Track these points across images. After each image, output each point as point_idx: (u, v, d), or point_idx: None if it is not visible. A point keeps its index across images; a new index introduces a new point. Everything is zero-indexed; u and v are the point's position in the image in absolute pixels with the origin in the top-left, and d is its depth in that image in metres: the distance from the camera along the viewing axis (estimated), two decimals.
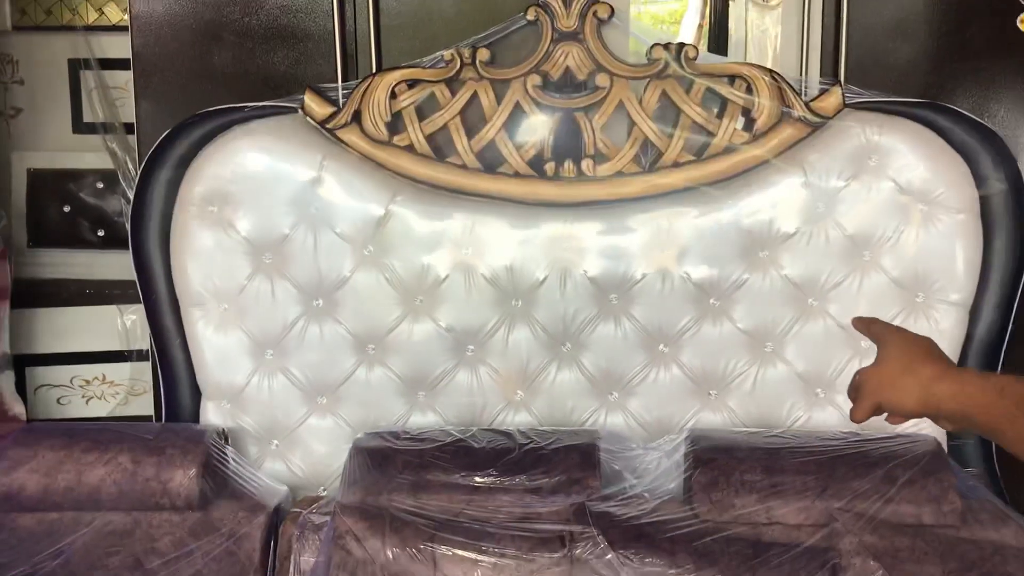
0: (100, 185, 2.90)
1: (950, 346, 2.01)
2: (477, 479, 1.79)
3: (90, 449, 1.85)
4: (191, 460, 1.84)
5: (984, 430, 1.11)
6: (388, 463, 1.83)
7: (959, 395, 1.11)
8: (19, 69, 2.90)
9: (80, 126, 2.92)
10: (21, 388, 2.87)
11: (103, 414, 2.90)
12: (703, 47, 2.47)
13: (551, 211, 2.05)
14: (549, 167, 2.05)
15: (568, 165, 2.05)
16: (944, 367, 1.16)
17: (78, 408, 2.91)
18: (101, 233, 2.88)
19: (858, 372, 1.26)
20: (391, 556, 1.67)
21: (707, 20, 2.76)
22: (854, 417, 1.22)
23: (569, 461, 1.81)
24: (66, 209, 2.90)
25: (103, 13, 2.85)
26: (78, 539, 1.78)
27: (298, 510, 1.87)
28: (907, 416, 1.18)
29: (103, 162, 2.89)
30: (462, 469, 1.81)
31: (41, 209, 2.90)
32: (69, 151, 2.91)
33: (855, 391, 1.24)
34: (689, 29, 2.88)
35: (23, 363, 2.87)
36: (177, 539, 1.80)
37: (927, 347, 1.21)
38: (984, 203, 2.00)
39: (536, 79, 2.03)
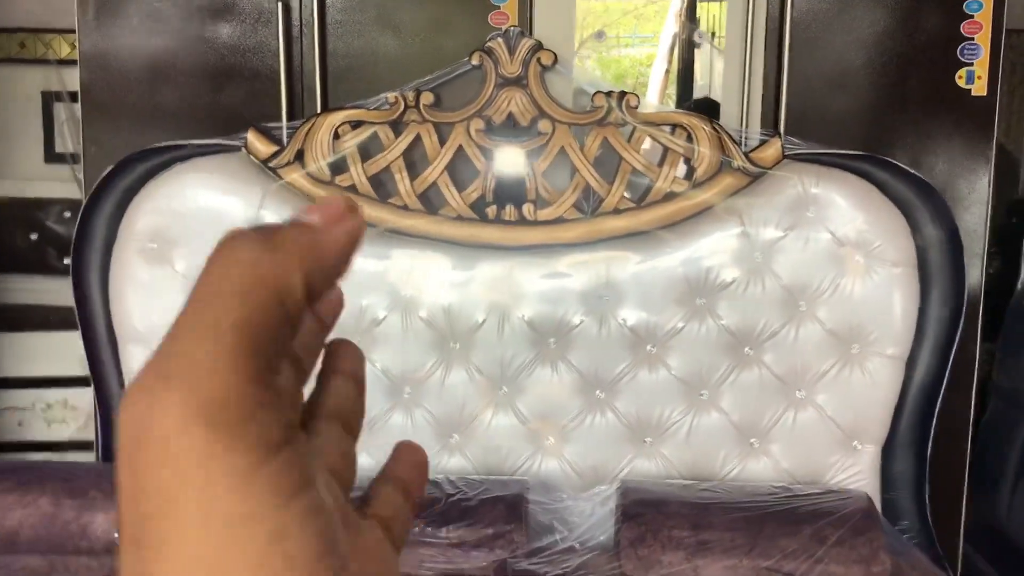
0: (67, 214, 2.72)
1: (887, 395, 1.83)
2: (428, 536, 1.59)
3: (11, 490, 1.64)
4: (114, 503, 1.64)
5: None
6: None
7: None
8: None
9: (52, 156, 2.76)
10: None
11: (64, 438, 2.72)
12: (671, 91, 2.32)
13: (491, 253, 1.86)
14: (491, 210, 1.87)
15: (509, 209, 1.87)
16: None
17: (40, 431, 2.73)
18: (67, 261, 2.69)
19: None
20: None
21: (674, 66, 2.63)
22: None
23: (495, 514, 1.61)
24: (33, 237, 2.72)
25: (75, 47, 2.67)
26: None
27: None
28: None
29: (72, 192, 2.71)
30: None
31: (9, 236, 2.72)
32: (39, 180, 2.74)
33: None
34: (657, 74, 2.76)
35: None
36: None
37: None
38: (921, 255, 1.82)
39: (479, 123, 1.85)
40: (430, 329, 1.85)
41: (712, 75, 2.26)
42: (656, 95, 2.29)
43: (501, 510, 1.62)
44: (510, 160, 1.86)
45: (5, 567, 1.60)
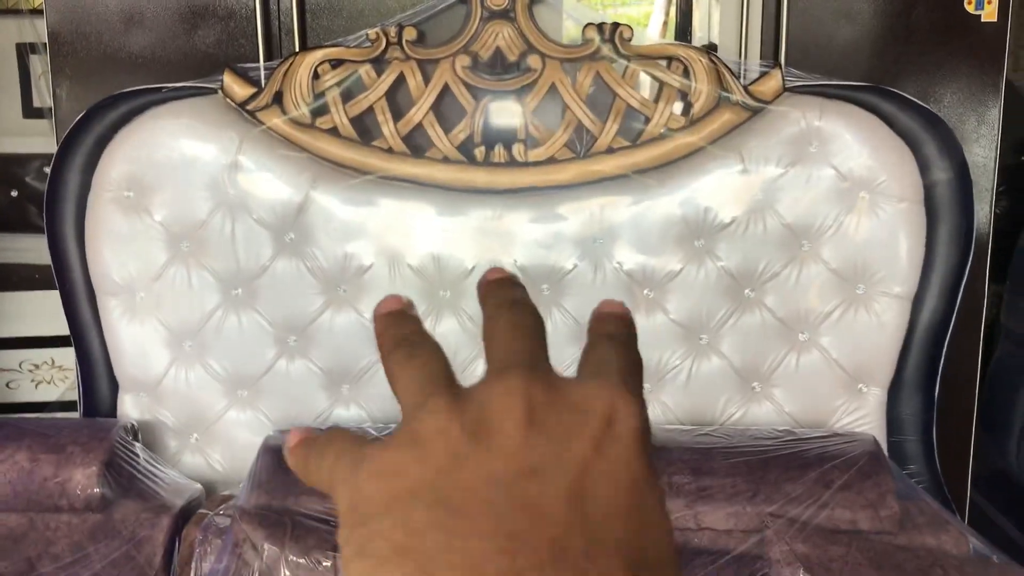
0: (47, 169, 2.63)
1: (893, 336, 1.77)
2: None
3: None
4: (93, 458, 1.58)
5: None
6: None
7: None
8: None
9: (29, 111, 2.67)
10: None
11: (52, 398, 2.67)
12: None
13: (480, 198, 1.78)
14: (479, 152, 1.79)
15: (499, 150, 1.79)
16: None
17: (27, 392, 2.67)
18: None
19: None
20: (291, 567, 1.41)
21: (671, 18, 2.54)
22: None
23: None
24: (13, 194, 2.64)
25: None
26: None
27: (204, 511, 1.61)
28: None
29: (50, 146, 2.63)
30: None
31: None
32: (17, 136, 2.66)
33: None
34: (655, 27, 2.67)
35: None
36: (74, 542, 1.54)
37: None
38: (928, 191, 1.74)
39: (465, 60, 1.76)
40: (419, 277, 1.78)
41: (710, 25, 2.17)
42: None
43: None
44: (498, 99, 1.78)
45: None
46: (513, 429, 0.29)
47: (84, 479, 1.56)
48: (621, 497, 0.29)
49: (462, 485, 0.28)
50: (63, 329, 2.65)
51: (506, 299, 0.36)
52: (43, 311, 2.63)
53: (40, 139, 2.66)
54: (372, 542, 0.28)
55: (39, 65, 2.64)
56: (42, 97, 2.65)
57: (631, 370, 0.34)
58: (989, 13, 1.80)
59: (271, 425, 1.80)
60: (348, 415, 1.80)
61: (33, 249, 2.63)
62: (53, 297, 2.62)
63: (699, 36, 2.23)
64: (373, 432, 1.67)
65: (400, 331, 0.35)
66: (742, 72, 1.77)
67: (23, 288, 2.64)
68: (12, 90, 2.67)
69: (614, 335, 0.35)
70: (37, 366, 2.66)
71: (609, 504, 0.28)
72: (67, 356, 2.65)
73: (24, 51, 2.63)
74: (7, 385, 2.66)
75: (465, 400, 0.31)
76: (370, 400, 1.80)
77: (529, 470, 0.29)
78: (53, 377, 2.67)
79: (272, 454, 1.58)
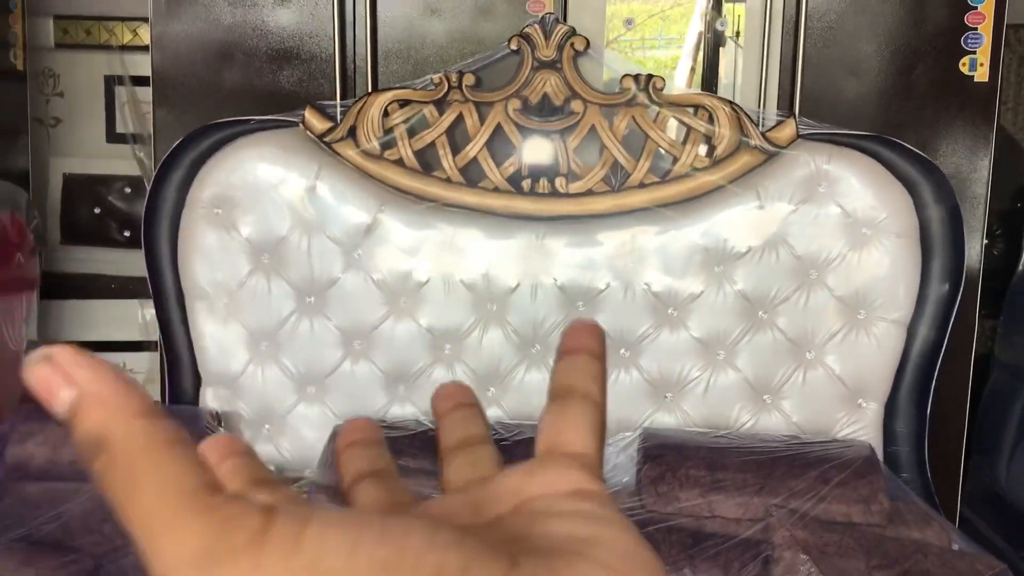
0: (128, 190, 2.90)
1: (890, 360, 1.98)
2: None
3: None
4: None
5: None
6: None
7: None
8: (60, 83, 2.92)
9: (113, 136, 2.94)
10: None
11: None
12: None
13: (525, 224, 2.02)
14: (526, 183, 2.03)
15: (543, 182, 2.03)
16: None
17: None
18: (127, 233, 2.89)
19: None
20: None
21: (699, 64, 2.74)
22: None
23: (529, 452, 1.77)
24: (96, 211, 2.91)
25: (136, 34, 2.86)
26: (76, 506, 1.76)
27: None
28: None
29: (132, 169, 2.90)
30: (429, 456, 1.78)
31: (74, 210, 2.91)
32: (102, 158, 2.93)
33: None
34: (682, 74, 2.86)
35: None
36: None
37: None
38: (924, 230, 1.97)
39: (517, 103, 2.01)
40: (469, 292, 2.02)
41: (736, 74, 2.39)
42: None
43: (533, 449, 1.78)
44: (544, 137, 2.02)
45: (89, 492, 1.78)
46: None
47: None
48: None
49: None
50: (135, 335, 2.91)
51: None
52: (118, 318, 2.88)
53: (122, 162, 2.93)
54: None
55: (124, 95, 2.92)
56: (126, 124, 2.92)
57: (600, 449, 0.30)
58: (981, 74, 2.04)
59: (335, 419, 2.03)
60: (403, 412, 2.03)
61: (112, 261, 2.90)
62: (127, 306, 2.89)
63: (724, 83, 2.46)
64: (427, 424, 1.89)
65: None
66: (760, 120, 2.01)
67: (101, 297, 2.89)
68: (98, 117, 2.95)
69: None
70: None
71: None
72: (139, 360, 2.90)
73: (111, 82, 2.91)
74: None
75: None
76: (423, 400, 2.04)
77: None
78: None
79: None
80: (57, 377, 0.24)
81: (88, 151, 2.92)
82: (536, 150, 2.02)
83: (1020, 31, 2.76)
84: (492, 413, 2.04)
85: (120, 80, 2.88)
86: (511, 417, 2.03)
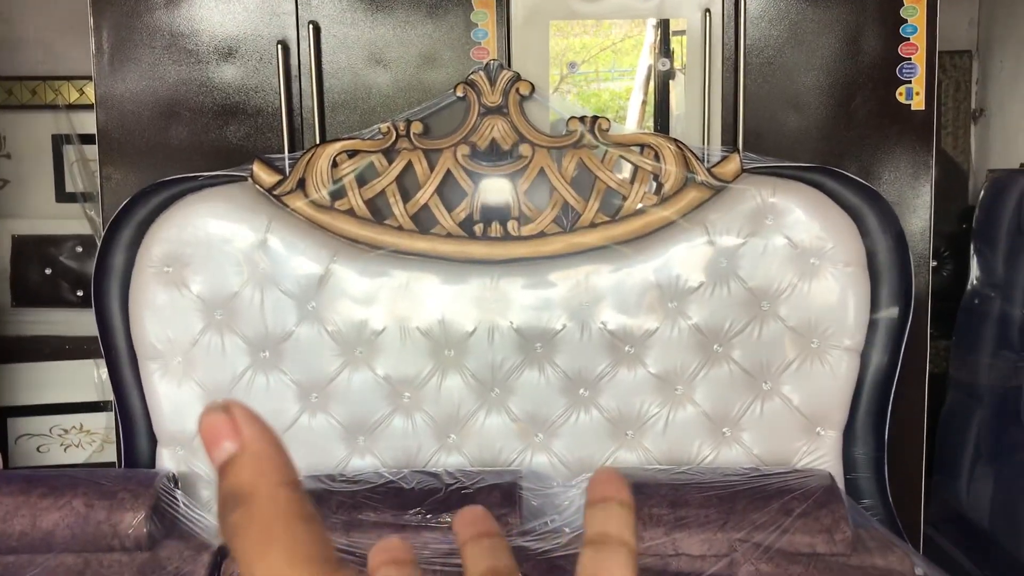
0: (79, 249, 2.87)
1: (846, 387, 2.00)
2: (406, 518, 1.74)
3: (46, 495, 1.79)
4: (141, 503, 1.79)
5: None
6: (323, 504, 1.78)
7: None
8: (6, 144, 2.89)
9: (62, 195, 2.92)
10: (2, 438, 2.80)
11: (81, 460, 2.85)
12: (649, 124, 2.47)
13: (479, 268, 2.03)
14: (478, 228, 2.04)
15: (495, 226, 2.04)
16: None
17: (57, 455, 2.86)
18: (80, 293, 2.85)
19: None
20: None
21: (651, 97, 2.77)
22: None
23: (491, 499, 1.77)
24: (47, 271, 2.87)
25: (83, 92, 2.85)
26: None
27: None
28: None
29: (83, 228, 2.87)
30: (392, 509, 1.76)
31: (24, 272, 2.87)
32: (51, 218, 2.90)
33: None
34: (634, 107, 2.90)
35: (5, 414, 2.81)
36: None
37: None
38: (871, 257, 2.00)
39: (465, 149, 2.03)
40: (426, 338, 2.01)
41: (687, 105, 2.41)
42: (634, 126, 2.44)
43: (497, 496, 1.78)
44: (494, 182, 2.04)
45: (43, 565, 1.74)
46: None
47: (134, 521, 1.76)
48: None
49: None
50: (91, 395, 2.86)
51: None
52: (73, 379, 2.84)
53: (72, 221, 2.90)
54: None
55: (72, 154, 2.90)
56: (75, 183, 2.89)
57: None
58: (917, 103, 2.08)
59: None
60: (364, 463, 2.01)
61: (64, 322, 2.86)
62: (81, 366, 2.84)
63: (676, 114, 2.49)
64: (388, 476, 1.88)
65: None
66: (705, 156, 2.03)
67: (54, 358, 2.85)
68: (47, 177, 2.92)
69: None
70: (66, 431, 2.85)
71: None
72: (94, 420, 2.86)
73: (59, 141, 2.89)
74: (38, 449, 2.85)
75: None
76: (383, 451, 2.02)
77: None
78: (81, 441, 2.86)
79: None
80: (226, 428, 0.27)
81: (38, 212, 2.89)
82: (487, 195, 2.04)
83: (955, 57, 2.84)
84: (453, 460, 2.03)
85: (68, 139, 2.86)
86: (472, 464, 2.01)
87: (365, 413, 2.02)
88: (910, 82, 2.09)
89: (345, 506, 1.77)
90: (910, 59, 2.08)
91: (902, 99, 2.10)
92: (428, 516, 1.75)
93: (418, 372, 2.02)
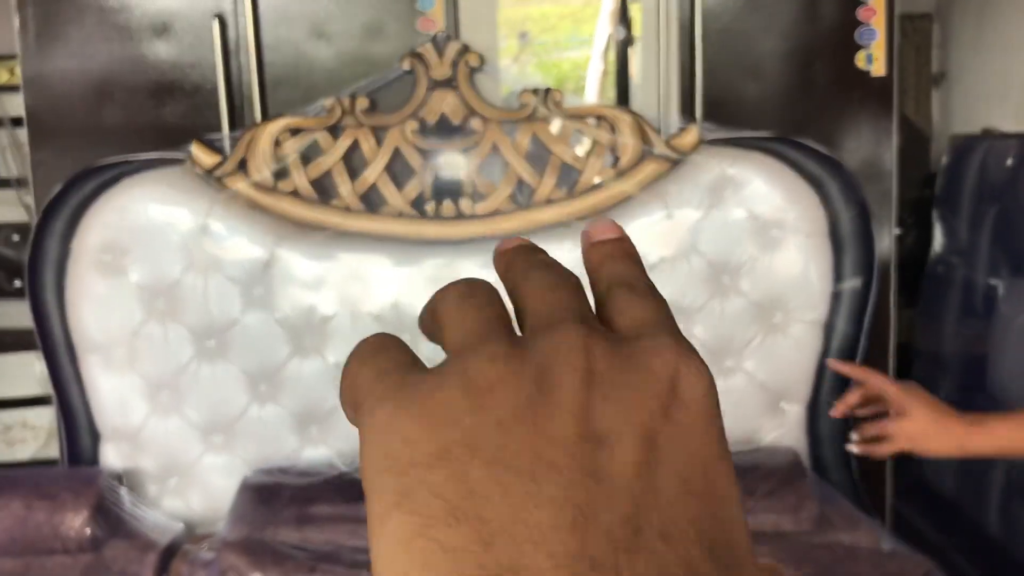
0: (16, 237, 2.77)
1: (809, 358, 1.98)
2: (360, 511, 1.70)
3: None
4: (83, 503, 1.73)
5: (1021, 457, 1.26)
6: (274, 498, 1.73)
7: (992, 442, 1.25)
8: None
9: None
10: None
11: (26, 457, 2.77)
12: (610, 93, 2.42)
13: (433, 248, 1.98)
14: (430, 207, 1.99)
15: (448, 204, 1.99)
16: (970, 422, 1.26)
17: (2, 452, 2.78)
18: (17, 283, 2.76)
19: (889, 424, 1.32)
20: None
21: (610, 66, 2.73)
22: (879, 454, 1.36)
23: None
24: None
25: (14, 73, 2.73)
26: None
27: (189, 547, 1.76)
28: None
29: (18, 215, 2.77)
30: (346, 501, 1.72)
31: None
32: None
33: (886, 441, 1.32)
34: (593, 77, 2.85)
35: None
36: None
37: (947, 407, 1.30)
38: (833, 226, 1.97)
39: (414, 124, 1.97)
40: (378, 323, 1.96)
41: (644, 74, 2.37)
42: (594, 96, 2.40)
43: None
44: (446, 158, 1.98)
45: None
46: (576, 386, 0.25)
47: (76, 522, 1.70)
48: (694, 470, 0.25)
49: (526, 444, 0.24)
50: (33, 390, 2.78)
51: (536, 261, 0.31)
52: (13, 373, 2.75)
53: (7, 208, 2.80)
54: (418, 495, 0.23)
55: (4, 138, 2.80)
56: (8, 168, 2.79)
57: (672, 322, 0.29)
58: (877, 69, 2.05)
59: (245, 467, 1.95)
60: (316, 454, 1.97)
61: (2, 313, 2.76)
62: (23, 359, 2.76)
63: (637, 83, 2.44)
64: (341, 467, 1.83)
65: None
66: (663, 127, 1.99)
67: None
68: None
69: (632, 284, 0.30)
70: (10, 427, 2.76)
71: (682, 478, 0.24)
72: (39, 415, 2.77)
73: None
74: None
75: (524, 349, 0.26)
76: (337, 440, 1.97)
77: (594, 434, 0.24)
78: (26, 436, 2.78)
79: (250, 491, 1.74)
80: None
81: None
82: (438, 172, 1.98)
83: (916, 21, 2.81)
84: None
85: (0, 122, 2.76)
86: None
87: (317, 402, 1.97)
88: (869, 47, 2.06)
89: (297, 500, 1.72)
90: (869, 24, 2.05)
91: (862, 65, 2.07)
92: None
93: None
